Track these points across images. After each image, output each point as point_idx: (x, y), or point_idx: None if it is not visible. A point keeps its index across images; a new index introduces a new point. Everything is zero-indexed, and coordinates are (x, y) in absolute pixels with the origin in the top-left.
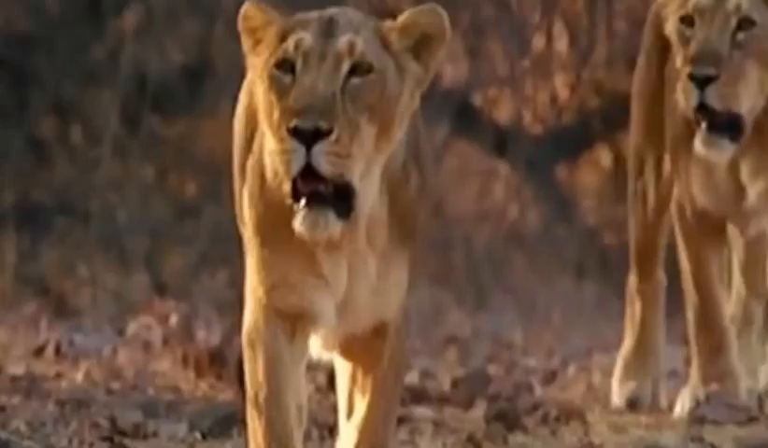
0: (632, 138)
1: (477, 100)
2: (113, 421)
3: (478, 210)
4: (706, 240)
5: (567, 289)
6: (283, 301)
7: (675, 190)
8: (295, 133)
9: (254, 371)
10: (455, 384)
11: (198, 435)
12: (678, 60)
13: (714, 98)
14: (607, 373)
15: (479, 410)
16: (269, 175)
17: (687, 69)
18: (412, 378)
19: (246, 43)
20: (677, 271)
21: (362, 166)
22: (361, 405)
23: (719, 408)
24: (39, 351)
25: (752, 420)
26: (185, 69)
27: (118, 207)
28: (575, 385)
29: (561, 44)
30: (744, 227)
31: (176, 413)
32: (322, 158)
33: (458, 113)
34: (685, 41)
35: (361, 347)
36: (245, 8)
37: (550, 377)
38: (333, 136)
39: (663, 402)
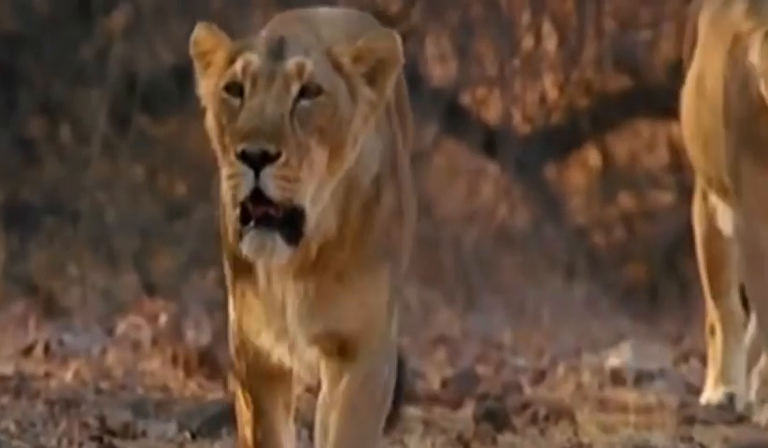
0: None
1: (466, 99)
2: (102, 420)
3: (467, 210)
4: None
5: (556, 289)
6: (247, 325)
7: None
8: (243, 156)
9: (240, 380)
10: (444, 383)
11: (187, 434)
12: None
13: None
14: (596, 373)
15: (468, 409)
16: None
17: None
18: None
19: (198, 67)
20: (672, 271)
21: (313, 189)
22: (333, 433)
23: (709, 408)
24: (28, 351)
25: (741, 420)
26: (174, 69)
27: (107, 207)
28: (564, 384)
29: (551, 44)
30: None
31: (165, 413)
32: (271, 181)
33: (447, 113)
34: None
35: (331, 371)
36: (195, 33)
37: (539, 377)
38: (281, 160)
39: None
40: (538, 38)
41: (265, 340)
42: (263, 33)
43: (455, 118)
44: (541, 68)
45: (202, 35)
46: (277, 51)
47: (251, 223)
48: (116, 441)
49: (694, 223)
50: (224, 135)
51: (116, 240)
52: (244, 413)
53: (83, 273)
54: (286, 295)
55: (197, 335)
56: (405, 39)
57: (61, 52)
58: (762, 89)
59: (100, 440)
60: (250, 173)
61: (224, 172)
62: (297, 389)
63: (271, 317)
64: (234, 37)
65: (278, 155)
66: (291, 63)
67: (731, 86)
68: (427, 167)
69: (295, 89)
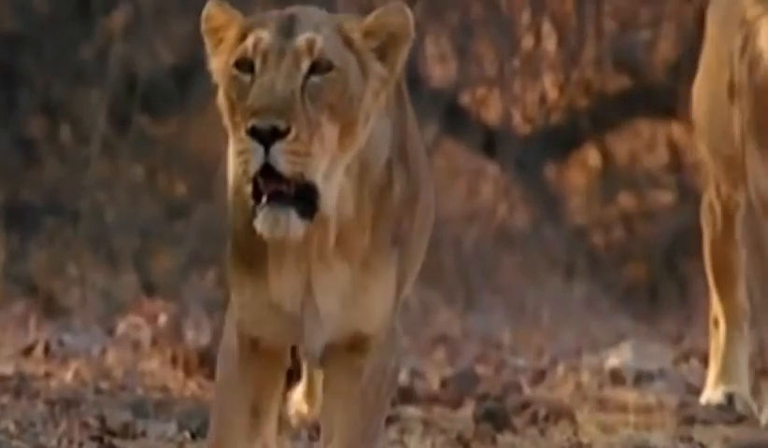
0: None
1: (466, 100)
2: (102, 421)
3: (467, 210)
4: None
5: (556, 289)
6: (251, 328)
7: (743, 196)
8: (253, 132)
9: (219, 386)
10: (444, 383)
11: (187, 434)
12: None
13: None
14: (596, 373)
15: (468, 409)
16: (234, 181)
17: None
18: (401, 377)
19: (209, 44)
20: (672, 271)
21: (325, 165)
22: (340, 425)
23: (709, 408)
24: (28, 351)
25: (741, 420)
26: (174, 68)
27: (107, 207)
28: (564, 384)
29: (550, 44)
30: None
31: (165, 413)
32: (281, 157)
33: (446, 113)
34: None
35: (340, 362)
36: (207, 9)
37: (539, 377)
38: (291, 135)
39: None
40: (538, 38)
41: (271, 331)
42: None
43: (455, 118)
44: (541, 68)
45: (214, 11)
46: (288, 28)
47: (263, 200)
48: (116, 441)
49: (702, 217)
50: (235, 112)
51: (116, 240)
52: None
53: (83, 272)
54: (311, 281)
55: (197, 335)
56: None
57: (61, 52)
58: None
59: (100, 440)
60: (260, 149)
61: (235, 148)
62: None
63: (283, 307)
64: None
65: (288, 130)
66: (301, 40)
67: (739, 73)
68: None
69: (306, 65)
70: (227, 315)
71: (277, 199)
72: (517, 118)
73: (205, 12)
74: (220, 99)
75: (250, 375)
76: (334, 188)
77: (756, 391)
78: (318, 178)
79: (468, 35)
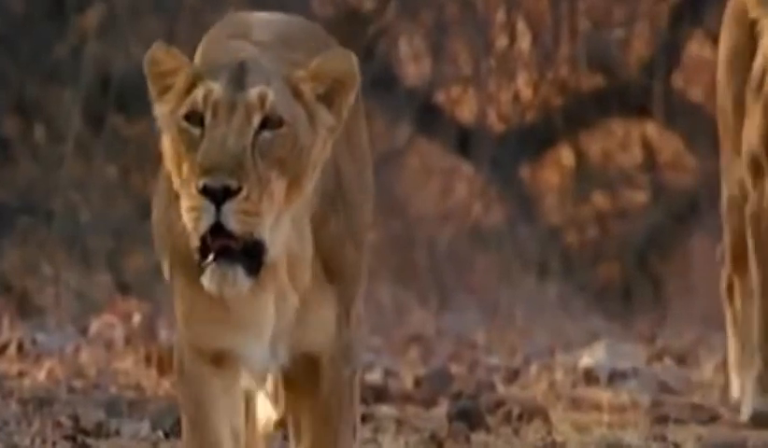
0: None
1: (440, 99)
2: (76, 420)
3: (441, 209)
4: None
5: (530, 288)
6: (203, 342)
7: (751, 200)
8: (204, 191)
9: (183, 404)
10: (418, 382)
11: (161, 434)
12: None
13: None
14: (570, 372)
15: (442, 408)
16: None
17: None
18: (375, 377)
19: (153, 89)
20: (645, 271)
21: (272, 220)
22: (307, 440)
23: (682, 406)
24: (2, 350)
25: (714, 419)
26: None
27: (81, 206)
28: (537, 383)
29: (525, 43)
30: None
31: (138, 412)
32: (232, 216)
33: (420, 112)
34: None
35: (297, 380)
36: (152, 52)
37: (513, 376)
38: (242, 194)
39: None
40: (512, 38)
41: (227, 348)
42: (205, 42)
43: (429, 117)
44: (515, 67)
45: (160, 55)
46: (239, 79)
47: (211, 257)
48: (89, 441)
49: (722, 183)
50: (182, 164)
51: (89, 239)
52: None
53: (57, 272)
54: (260, 310)
55: (171, 334)
56: (378, 39)
57: (35, 52)
58: None
59: (73, 439)
60: (211, 207)
61: (183, 203)
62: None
63: (238, 332)
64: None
65: (239, 190)
66: (252, 94)
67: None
68: (401, 166)
69: (257, 120)
70: (175, 341)
71: (224, 255)
72: (491, 117)
73: (150, 55)
74: (166, 146)
75: (220, 397)
76: (280, 237)
77: (729, 391)
78: (265, 234)
79: (443, 35)
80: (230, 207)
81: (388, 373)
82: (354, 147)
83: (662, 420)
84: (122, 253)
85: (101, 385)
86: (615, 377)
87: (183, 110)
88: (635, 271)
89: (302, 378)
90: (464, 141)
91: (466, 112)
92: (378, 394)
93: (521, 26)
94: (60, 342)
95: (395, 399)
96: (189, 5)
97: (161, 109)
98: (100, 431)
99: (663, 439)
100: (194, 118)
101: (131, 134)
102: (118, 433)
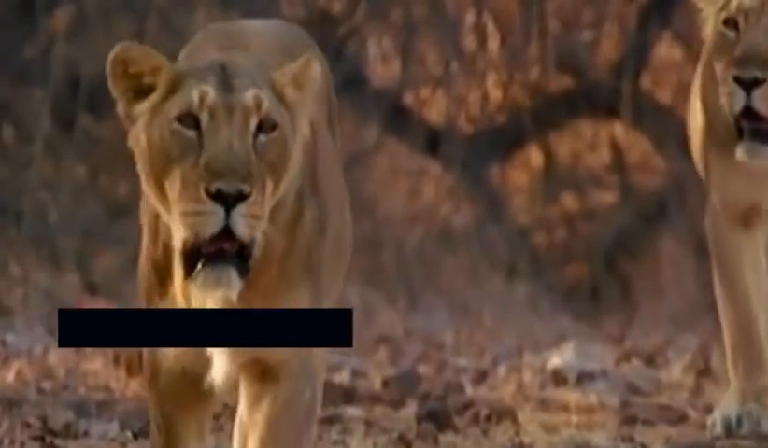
0: None
1: (409, 100)
2: (44, 420)
3: (409, 210)
4: (742, 252)
5: (498, 289)
6: (164, 355)
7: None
8: (217, 195)
9: (152, 409)
10: (386, 383)
11: (129, 434)
12: (719, 64)
13: (760, 102)
14: (538, 373)
15: (410, 409)
16: (152, 231)
17: (732, 72)
18: (343, 377)
19: (125, 88)
20: (614, 271)
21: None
22: None
23: (650, 407)
24: None
25: (683, 419)
26: None
27: (50, 207)
28: (505, 384)
29: (494, 44)
30: None
31: (107, 413)
32: (240, 220)
33: (389, 113)
34: (727, 44)
35: (253, 392)
36: (127, 51)
37: (481, 377)
38: (252, 198)
39: None
40: (481, 39)
41: (183, 361)
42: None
43: (398, 118)
44: (484, 68)
45: (137, 54)
46: (226, 81)
47: (203, 259)
48: (58, 441)
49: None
50: (170, 166)
51: (58, 240)
52: (155, 436)
53: (26, 272)
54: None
55: None
56: (347, 40)
57: (3, 52)
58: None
59: (42, 439)
60: (222, 211)
61: (180, 206)
62: (215, 407)
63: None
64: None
65: (250, 194)
66: (248, 97)
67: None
68: (369, 167)
69: (254, 123)
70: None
71: (218, 258)
72: (460, 118)
73: (123, 54)
74: (141, 147)
75: (181, 404)
76: (261, 238)
77: (698, 392)
78: (258, 237)
79: (412, 36)
80: (240, 211)
81: (356, 374)
82: (327, 147)
83: (631, 421)
84: (91, 253)
85: (70, 386)
86: (583, 378)
87: (174, 112)
88: (604, 271)
89: (256, 393)
90: (433, 142)
91: (435, 113)
92: (346, 395)
93: (490, 27)
94: (28, 342)
95: (363, 399)
96: (158, 5)
97: (138, 109)
98: (69, 432)
99: (632, 439)
100: (187, 120)
101: (100, 135)
102: (86, 434)
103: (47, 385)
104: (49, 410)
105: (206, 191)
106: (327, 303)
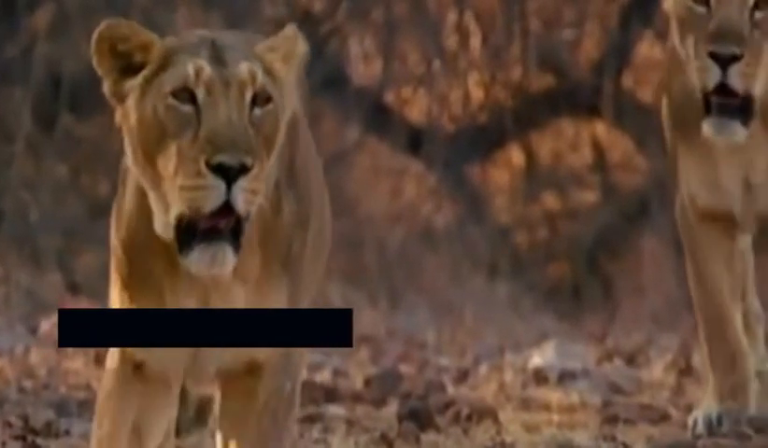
0: None
1: (390, 99)
2: (25, 419)
3: (391, 209)
4: (712, 245)
5: (479, 288)
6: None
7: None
8: (218, 168)
9: (99, 407)
10: (367, 382)
11: None
12: (688, 40)
13: (736, 78)
14: (519, 372)
15: (392, 408)
16: (132, 211)
17: (708, 47)
18: (324, 377)
19: (113, 65)
20: (595, 271)
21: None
22: None
23: (632, 407)
24: None
25: (664, 419)
26: None
27: (31, 206)
28: (487, 383)
29: (475, 43)
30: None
31: (88, 412)
32: (241, 194)
33: (370, 112)
34: (697, 20)
35: (234, 387)
36: (116, 28)
37: (463, 376)
38: (253, 172)
39: None
40: (463, 38)
41: (158, 357)
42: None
43: (379, 117)
44: (466, 68)
45: (125, 31)
46: (218, 55)
47: (198, 236)
48: (39, 440)
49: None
50: (164, 143)
51: (40, 239)
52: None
53: (7, 271)
54: (208, 305)
55: None
56: (329, 38)
57: None
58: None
59: (23, 438)
60: (223, 185)
61: (181, 182)
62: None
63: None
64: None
65: (252, 167)
66: (243, 70)
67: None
68: (351, 166)
69: (249, 96)
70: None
71: (214, 235)
72: (441, 117)
73: (110, 31)
74: (132, 125)
75: (131, 397)
76: (253, 215)
77: (679, 391)
78: (252, 213)
79: (393, 35)
80: (240, 185)
81: (337, 373)
82: (306, 141)
83: (612, 420)
84: (73, 252)
85: (51, 385)
86: (565, 377)
87: (168, 87)
88: (585, 271)
89: (238, 387)
90: (415, 141)
91: (416, 112)
92: (328, 394)
93: (472, 27)
94: (10, 341)
95: (345, 399)
96: (140, 4)
97: (127, 86)
98: (50, 431)
99: (613, 439)
100: (182, 94)
101: (81, 134)
102: (68, 433)
103: (28, 384)
104: (31, 409)
105: (208, 165)
106: (305, 297)
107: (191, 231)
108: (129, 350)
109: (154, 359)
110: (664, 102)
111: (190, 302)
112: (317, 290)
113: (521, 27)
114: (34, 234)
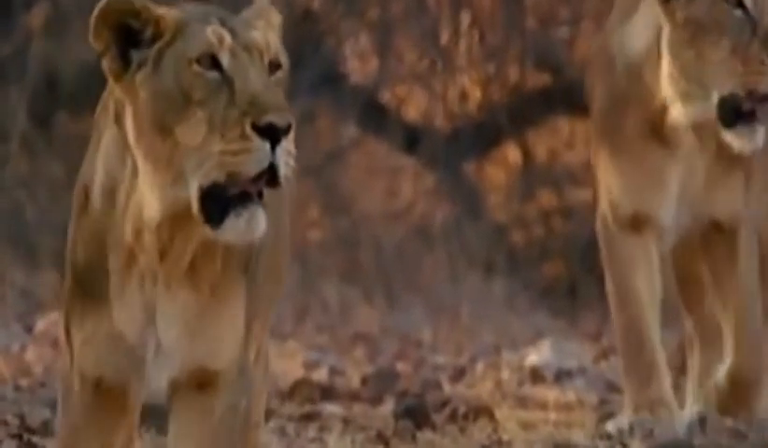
0: None
1: (386, 97)
2: (22, 418)
3: (387, 208)
4: (633, 256)
5: (476, 286)
6: (92, 355)
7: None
8: (266, 130)
9: (61, 434)
10: (364, 381)
11: None
12: (714, 45)
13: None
14: (516, 370)
15: (388, 407)
16: (100, 191)
17: (752, 52)
18: (321, 375)
19: (114, 39)
20: (591, 269)
21: None
22: None
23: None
24: None
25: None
26: (95, 66)
27: (27, 205)
28: (483, 382)
29: (471, 41)
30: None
31: None
32: (283, 156)
33: (366, 110)
34: (735, 24)
35: (188, 402)
36: (125, 3)
37: (459, 374)
38: (292, 134)
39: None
40: (459, 36)
41: (112, 369)
42: None
43: (375, 115)
44: (461, 66)
45: (139, 6)
46: (230, 25)
47: (229, 203)
48: (35, 439)
49: None
50: (191, 110)
51: (35, 238)
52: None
53: (2, 270)
54: (155, 310)
55: None
56: (325, 37)
57: None
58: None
59: (19, 437)
60: (266, 147)
61: (222, 147)
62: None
63: (126, 338)
64: None
65: (293, 127)
66: (259, 37)
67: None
68: (347, 165)
69: (266, 62)
70: (63, 358)
71: (248, 200)
72: (437, 115)
73: (121, 5)
74: (142, 97)
75: (94, 418)
76: None
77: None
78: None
79: (389, 33)
80: (283, 147)
81: (334, 372)
82: None
83: (609, 418)
84: None
85: (47, 384)
86: (561, 375)
87: (192, 54)
88: (581, 269)
89: (191, 406)
90: (411, 139)
91: (412, 110)
92: (324, 392)
93: (468, 25)
94: (5, 340)
95: (341, 397)
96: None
97: (135, 60)
98: (46, 429)
99: (610, 437)
100: (206, 61)
101: (77, 132)
102: None
103: (24, 382)
104: (27, 407)
105: (255, 127)
106: (262, 310)
107: (219, 200)
108: (87, 369)
109: (110, 371)
110: (593, 105)
111: (135, 305)
112: (278, 293)
113: (517, 25)
114: (29, 233)
